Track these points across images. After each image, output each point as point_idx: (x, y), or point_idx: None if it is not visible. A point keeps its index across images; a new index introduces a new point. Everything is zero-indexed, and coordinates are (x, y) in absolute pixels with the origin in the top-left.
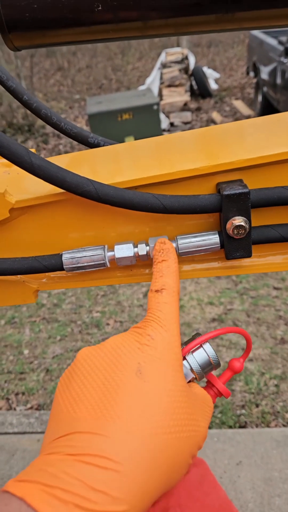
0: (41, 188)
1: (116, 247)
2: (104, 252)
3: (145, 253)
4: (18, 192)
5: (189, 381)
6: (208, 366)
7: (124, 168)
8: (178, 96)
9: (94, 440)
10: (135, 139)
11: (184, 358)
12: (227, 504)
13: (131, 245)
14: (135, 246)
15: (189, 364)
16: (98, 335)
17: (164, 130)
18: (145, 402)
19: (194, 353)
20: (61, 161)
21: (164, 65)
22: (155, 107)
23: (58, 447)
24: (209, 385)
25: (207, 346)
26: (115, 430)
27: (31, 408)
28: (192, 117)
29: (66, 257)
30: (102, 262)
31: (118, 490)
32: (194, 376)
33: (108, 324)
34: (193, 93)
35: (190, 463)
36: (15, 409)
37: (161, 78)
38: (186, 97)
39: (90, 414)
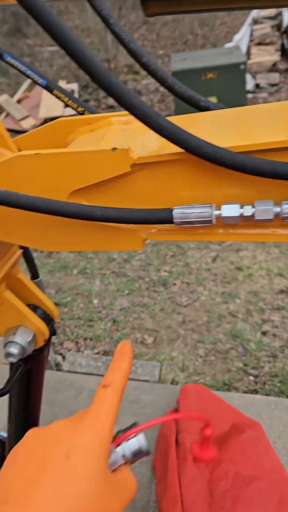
0: (155, 146)
1: (223, 206)
2: (212, 210)
3: (250, 214)
4: (135, 149)
5: (120, 465)
6: (139, 454)
7: (234, 133)
8: (268, 55)
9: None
10: (218, 100)
11: (119, 445)
12: (278, 467)
13: (238, 206)
14: (241, 207)
15: (123, 451)
16: (164, 293)
17: (248, 92)
18: (67, 484)
19: (128, 441)
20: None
21: (255, 21)
22: (242, 66)
23: None
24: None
25: (141, 435)
26: (38, 506)
27: (97, 353)
28: (280, 79)
29: (176, 211)
30: (209, 219)
31: None
32: (125, 461)
33: (174, 284)
34: (284, 52)
35: None
36: (83, 352)
37: (251, 35)
38: (276, 56)
39: (20, 490)
